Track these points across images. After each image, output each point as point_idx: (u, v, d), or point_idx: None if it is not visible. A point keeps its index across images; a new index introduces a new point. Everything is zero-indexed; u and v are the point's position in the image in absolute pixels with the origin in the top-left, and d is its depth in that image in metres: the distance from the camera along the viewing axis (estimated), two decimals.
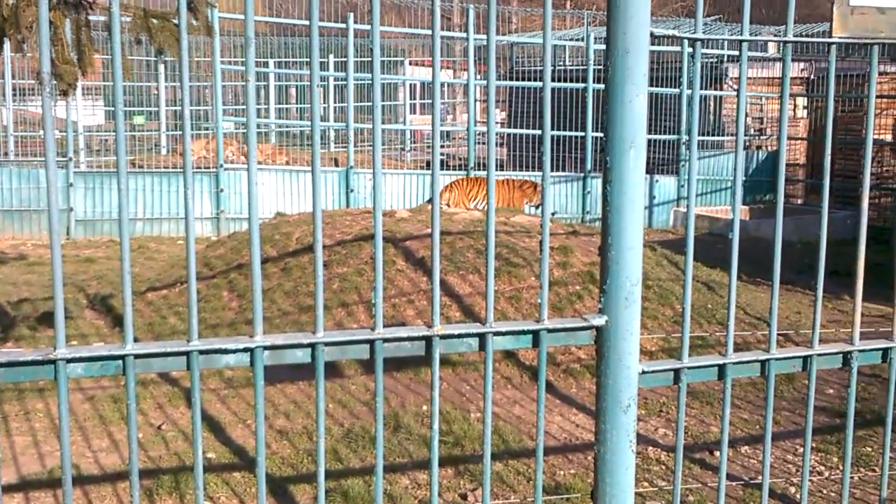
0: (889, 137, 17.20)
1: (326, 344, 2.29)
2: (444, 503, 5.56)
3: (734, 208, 2.43)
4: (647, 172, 16.54)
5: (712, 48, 17.89)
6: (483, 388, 2.47)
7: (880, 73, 17.37)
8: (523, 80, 19.88)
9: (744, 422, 6.94)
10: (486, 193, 2.38)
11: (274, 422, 6.76)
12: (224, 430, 6.63)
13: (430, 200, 2.23)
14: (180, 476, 5.77)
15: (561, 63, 21.08)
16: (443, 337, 2.37)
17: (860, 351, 2.87)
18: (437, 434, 2.42)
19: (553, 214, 15.87)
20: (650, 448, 6.45)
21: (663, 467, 6.14)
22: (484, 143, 21.17)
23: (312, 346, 2.29)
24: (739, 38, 2.36)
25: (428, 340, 2.36)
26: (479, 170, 16.66)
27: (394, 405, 7.11)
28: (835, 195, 16.46)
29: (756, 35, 17.50)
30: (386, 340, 2.32)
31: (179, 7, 2.01)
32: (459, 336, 2.39)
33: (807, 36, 19.63)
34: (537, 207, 13.48)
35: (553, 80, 18.58)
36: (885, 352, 2.94)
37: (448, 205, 13.85)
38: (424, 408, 7.02)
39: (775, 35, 18.15)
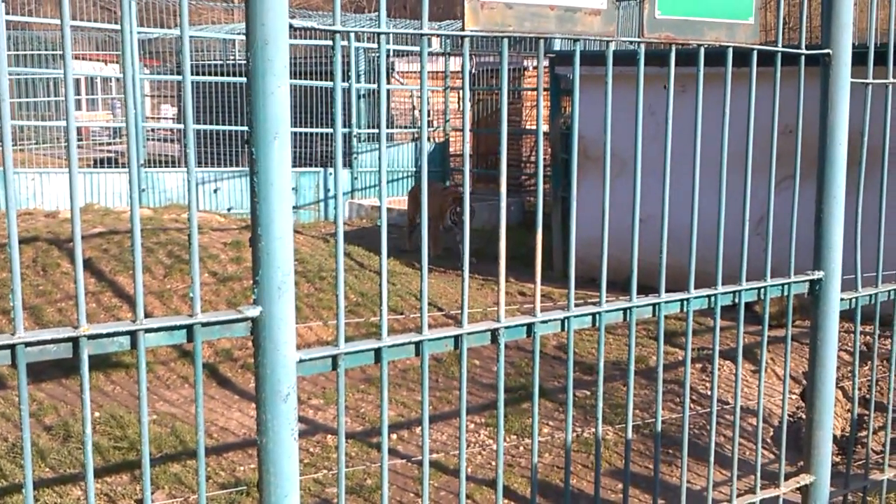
0: (547, 128, 18.23)
1: None
2: None
3: (381, 198, 2.51)
4: (321, 166, 16.77)
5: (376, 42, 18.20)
6: (156, 389, 2.42)
7: (537, 67, 18.43)
8: (193, 74, 19.43)
9: (419, 404, 7.17)
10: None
11: None
12: None
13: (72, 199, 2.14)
14: None
15: (232, 58, 20.82)
16: (90, 337, 2.28)
17: (506, 327, 3.06)
18: (89, 438, 2.35)
19: (229, 210, 15.69)
20: (329, 436, 6.54)
21: None
22: (156, 140, 20.56)
23: None
24: (378, 30, 2.44)
25: (75, 342, 2.27)
26: (149, 166, 16.20)
27: (63, 414, 6.79)
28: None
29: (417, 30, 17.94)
30: (28, 344, 2.21)
31: None
32: (108, 335, 2.32)
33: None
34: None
35: (223, 74, 18.32)
36: (529, 327, 3.15)
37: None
38: (97, 414, 6.75)
39: (437, 30, 18.78)
